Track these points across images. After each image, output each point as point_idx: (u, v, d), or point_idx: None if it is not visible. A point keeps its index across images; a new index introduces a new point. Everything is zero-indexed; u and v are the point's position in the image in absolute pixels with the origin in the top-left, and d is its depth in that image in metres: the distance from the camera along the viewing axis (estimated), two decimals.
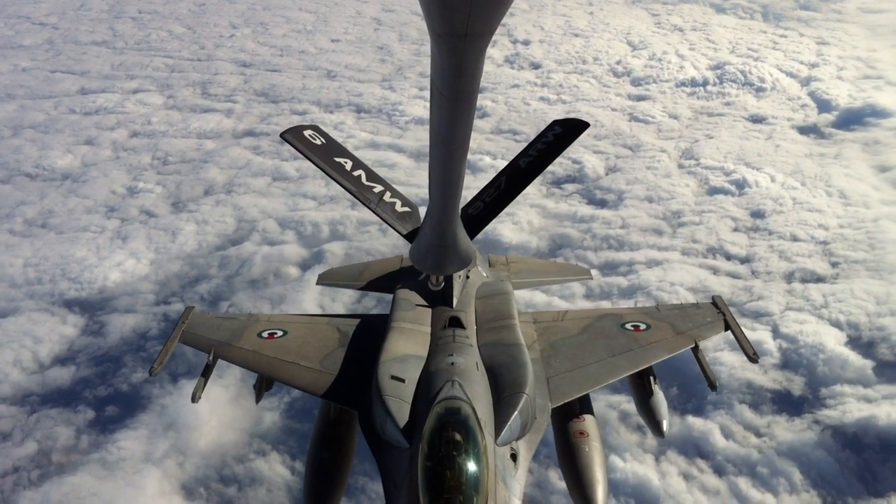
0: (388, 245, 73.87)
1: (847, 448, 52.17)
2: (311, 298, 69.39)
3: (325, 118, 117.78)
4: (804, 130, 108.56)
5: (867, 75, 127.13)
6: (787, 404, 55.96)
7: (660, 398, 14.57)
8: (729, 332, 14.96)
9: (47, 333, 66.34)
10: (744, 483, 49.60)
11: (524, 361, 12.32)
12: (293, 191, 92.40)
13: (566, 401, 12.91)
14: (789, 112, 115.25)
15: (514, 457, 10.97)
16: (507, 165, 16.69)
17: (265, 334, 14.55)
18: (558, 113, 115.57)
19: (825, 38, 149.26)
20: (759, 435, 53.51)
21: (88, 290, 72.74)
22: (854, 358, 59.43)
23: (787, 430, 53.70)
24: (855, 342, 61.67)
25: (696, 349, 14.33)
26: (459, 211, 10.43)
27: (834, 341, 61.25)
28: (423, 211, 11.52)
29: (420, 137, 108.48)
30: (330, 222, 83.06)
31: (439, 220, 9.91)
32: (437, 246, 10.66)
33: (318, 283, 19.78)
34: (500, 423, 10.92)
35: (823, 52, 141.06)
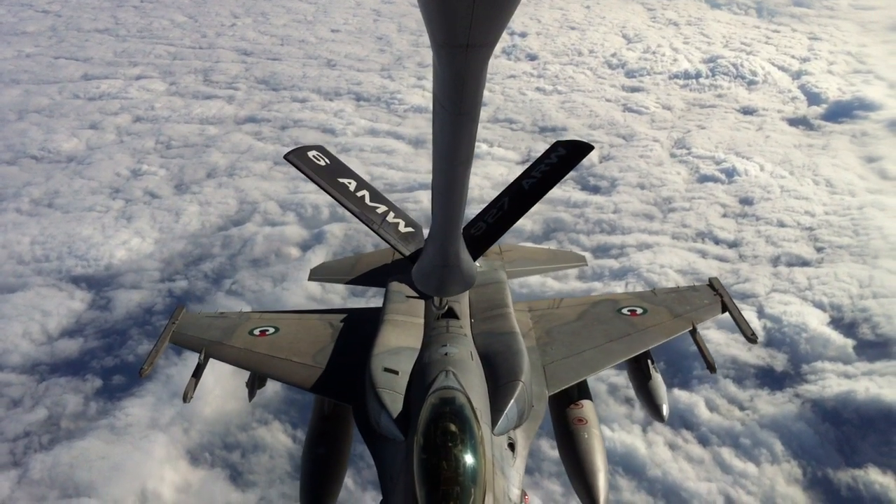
0: None
1: (827, 421, 53.80)
2: None
3: (325, 105, 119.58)
4: (794, 122, 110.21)
5: (857, 70, 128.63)
6: (770, 379, 57.60)
7: (658, 382, 14.47)
8: (727, 313, 14.93)
9: (55, 307, 67.89)
10: (727, 453, 51.18)
11: (519, 349, 12.27)
12: (294, 175, 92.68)
13: (563, 388, 12.81)
14: (780, 104, 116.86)
15: (511, 446, 10.88)
16: (510, 186, 16.36)
17: (256, 332, 14.53)
18: (554, 103, 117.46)
19: (817, 33, 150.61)
20: (742, 408, 55.10)
21: (95, 266, 74.35)
22: (836, 337, 61.21)
23: (770, 404, 55.29)
24: (837, 322, 63.38)
25: (693, 332, 14.38)
26: (461, 230, 10.34)
27: (817, 321, 63.01)
28: (426, 231, 11.55)
29: (418, 125, 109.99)
30: (330, 204, 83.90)
31: (442, 239, 9.69)
32: (440, 266, 10.42)
33: (309, 279, 19.51)
34: (496, 413, 10.83)
35: (815, 47, 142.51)
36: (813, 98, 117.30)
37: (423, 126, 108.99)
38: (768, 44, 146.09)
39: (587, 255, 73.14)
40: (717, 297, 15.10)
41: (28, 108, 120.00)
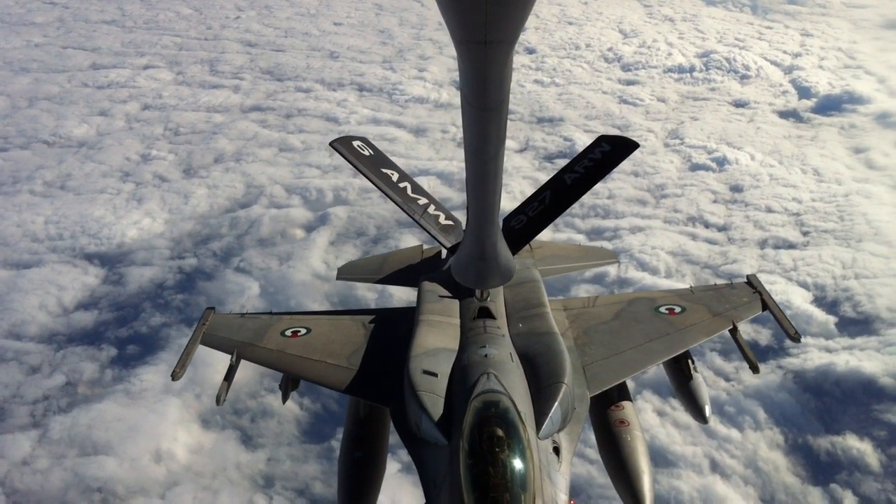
0: (389, 210, 77.60)
1: (808, 392, 56.41)
2: (317, 256, 73.59)
3: (329, 95, 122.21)
4: (784, 115, 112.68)
5: (847, 65, 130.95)
6: (755, 352, 58.08)
7: (700, 382, 14.09)
8: (767, 311, 14.51)
9: (70, 282, 70.63)
10: (712, 420, 52.76)
11: (560, 350, 11.86)
12: (298, 161, 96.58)
13: (604, 389, 12.41)
14: (771, 98, 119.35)
15: (556, 450, 10.53)
16: (551, 179, 16.27)
17: (288, 333, 14.20)
18: (551, 95, 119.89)
19: (809, 30, 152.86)
20: (727, 379, 57.53)
21: (108, 244, 77.08)
22: (818, 314, 63.95)
23: (754, 375, 57.35)
24: (820, 301, 66.04)
25: (734, 331, 14.02)
26: (500, 224, 10.29)
27: (801, 300, 65.76)
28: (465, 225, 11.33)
29: (419, 115, 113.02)
30: (334, 188, 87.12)
31: (478, 233, 9.72)
32: (478, 259, 10.43)
33: (337, 278, 19.22)
34: (540, 416, 10.48)
35: (807, 43, 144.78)
36: (803, 92, 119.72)
37: (424, 116, 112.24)
38: (761, 40, 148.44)
39: (582, 237, 76.44)
40: (757, 294, 14.77)
41: (38, 95, 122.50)
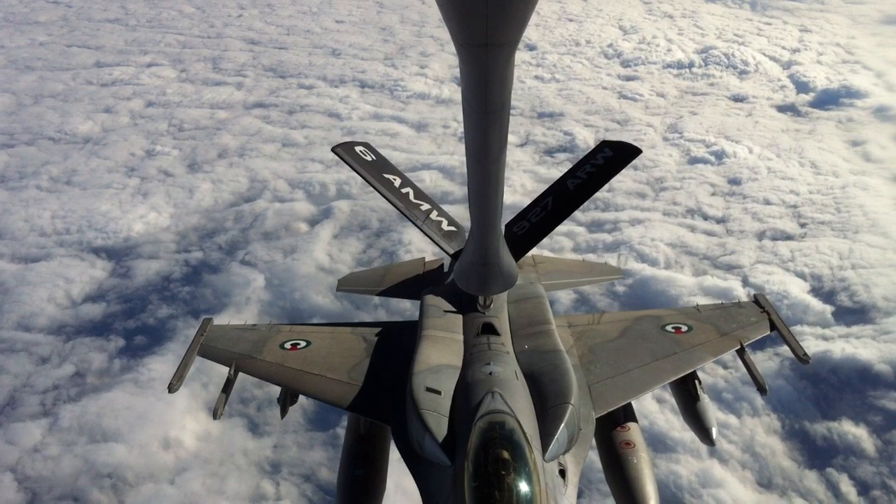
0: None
1: (805, 378, 57.01)
2: (321, 249, 74.49)
3: (331, 92, 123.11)
4: (782, 109, 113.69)
5: (845, 60, 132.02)
6: (752, 341, 60.53)
7: (707, 404, 13.59)
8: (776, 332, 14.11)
9: (78, 275, 71.44)
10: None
11: (567, 369, 11.51)
12: (301, 155, 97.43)
13: (610, 409, 12.08)
14: (769, 92, 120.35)
15: (562, 472, 10.21)
16: (554, 184, 16.20)
17: (288, 345, 13.91)
18: (552, 90, 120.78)
19: (808, 26, 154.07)
20: (725, 367, 57.89)
21: (114, 238, 77.98)
22: (815, 304, 64.76)
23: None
24: (817, 291, 66.89)
25: (741, 351, 13.58)
26: (502, 230, 10.30)
27: (798, 289, 66.60)
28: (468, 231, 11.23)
29: (420, 111, 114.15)
30: (337, 183, 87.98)
31: (481, 238, 9.67)
32: (480, 265, 10.40)
33: (338, 290, 18.84)
34: (546, 437, 10.15)
35: (805, 38, 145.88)
36: (801, 86, 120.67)
37: (425, 111, 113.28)
38: (760, 35, 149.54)
39: (582, 229, 77.26)
40: (764, 314, 14.36)
41: (43, 93, 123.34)
